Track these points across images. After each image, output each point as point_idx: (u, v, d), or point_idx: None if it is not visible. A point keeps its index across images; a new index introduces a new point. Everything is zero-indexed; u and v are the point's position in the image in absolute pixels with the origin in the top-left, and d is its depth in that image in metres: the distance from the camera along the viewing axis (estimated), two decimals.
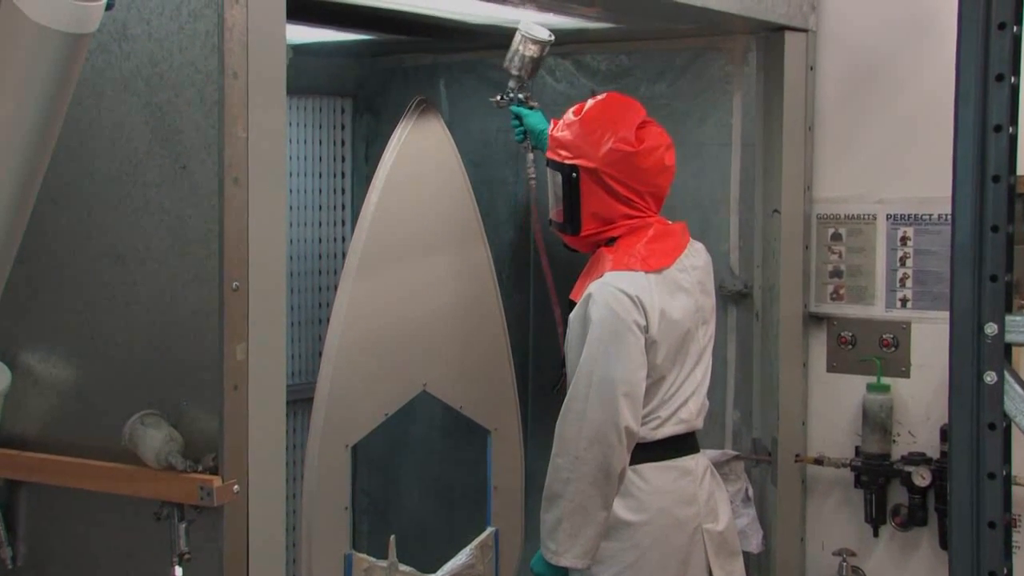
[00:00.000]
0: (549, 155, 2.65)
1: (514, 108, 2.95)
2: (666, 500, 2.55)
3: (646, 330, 2.46)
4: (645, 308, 2.46)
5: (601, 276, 2.51)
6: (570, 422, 2.45)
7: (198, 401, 1.92)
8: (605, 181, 2.54)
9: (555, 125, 2.67)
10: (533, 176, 2.96)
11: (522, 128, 2.96)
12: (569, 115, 2.65)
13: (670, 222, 2.66)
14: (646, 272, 2.50)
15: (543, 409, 3.38)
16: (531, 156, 2.98)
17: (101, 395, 2.05)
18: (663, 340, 2.49)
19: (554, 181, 2.64)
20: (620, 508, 2.52)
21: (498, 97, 2.97)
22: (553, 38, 2.83)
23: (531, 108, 2.96)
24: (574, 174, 2.56)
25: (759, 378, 3.15)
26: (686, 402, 2.57)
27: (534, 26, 2.82)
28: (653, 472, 2.53)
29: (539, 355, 3.39)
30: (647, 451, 2.52)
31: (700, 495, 2.59)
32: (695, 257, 2.66)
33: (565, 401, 2.47)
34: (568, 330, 2.57)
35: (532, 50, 2.82)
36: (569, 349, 2.55)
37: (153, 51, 1.94)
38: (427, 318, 2.88)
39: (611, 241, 2.59)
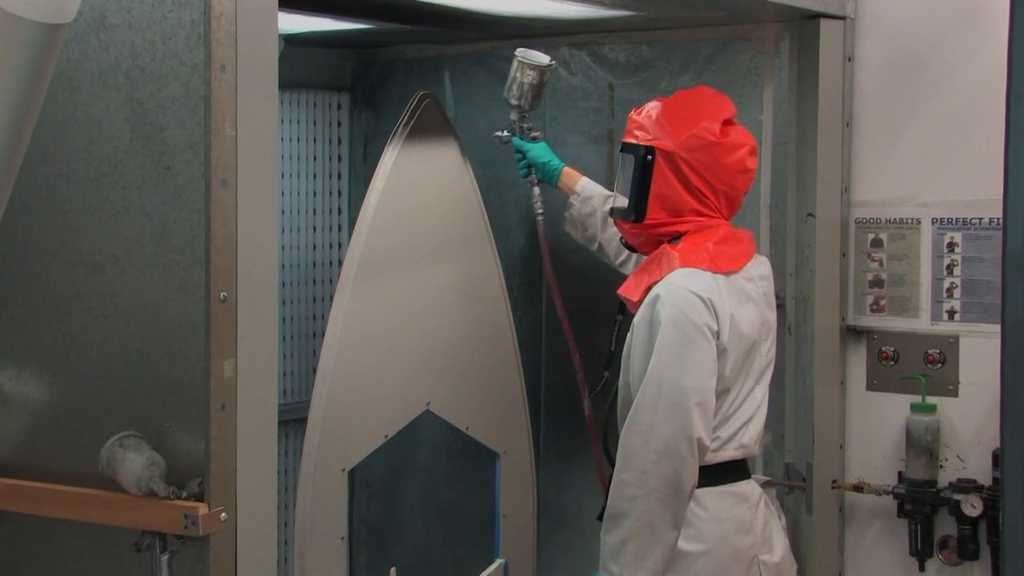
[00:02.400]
0: (625, 138, 2.68)
1: (516, 142, 3.07)
2: (724, 529, 2.55)
3: (717, 336, 2.47)
4: (717, 312, 2.48)
5: (665, 273, 2.51)
6: (637, 433, 2.45)
7: (182, 422, 1.93)
8: (680, 167, 2.57)
9: (636, 112, 2.70)
10: (541, 212, 3.06)
11: (526, 162, 3.07)
12: (653, 101, 2.68)
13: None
14: (714, 273, 2.51)
15: (555, 430, 3.38)
16: (537, 191, 3.07)
17: (76, 415, 2.05)
18: (732, 349, 2.51)
19: (624, 166, 2.66)
20: None
21: (502, 132, 3.09)
22: (554, 63, 2.94)
23: (534, 140, 3.08)
24: (648, 156, 2.58)
25: (792, 397, 3.14)
26: (746, 425, 2.58)
27: (531, 51, 2.93)
28: (711, 498, 2.54)
29: (552, 372, 3.39)
30: (704, 475, 2.51)
31: (757, 523, 2.60)
32: (761, 267, 2.68)
33: (631, 412, 2.47)
34: (631, 334, 2.57)
35: (531, 76, 2.94)
36: (633, 356, 2.56)
37: (134, 42, 1.94)
38: (431, 332, 2.88)
39: (675, 239, 2.60)
